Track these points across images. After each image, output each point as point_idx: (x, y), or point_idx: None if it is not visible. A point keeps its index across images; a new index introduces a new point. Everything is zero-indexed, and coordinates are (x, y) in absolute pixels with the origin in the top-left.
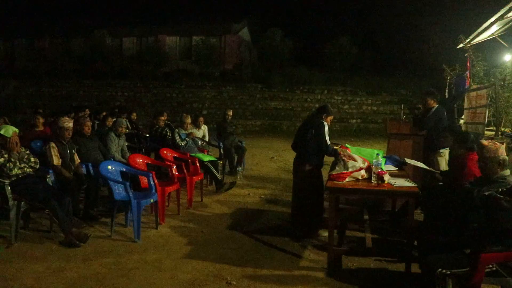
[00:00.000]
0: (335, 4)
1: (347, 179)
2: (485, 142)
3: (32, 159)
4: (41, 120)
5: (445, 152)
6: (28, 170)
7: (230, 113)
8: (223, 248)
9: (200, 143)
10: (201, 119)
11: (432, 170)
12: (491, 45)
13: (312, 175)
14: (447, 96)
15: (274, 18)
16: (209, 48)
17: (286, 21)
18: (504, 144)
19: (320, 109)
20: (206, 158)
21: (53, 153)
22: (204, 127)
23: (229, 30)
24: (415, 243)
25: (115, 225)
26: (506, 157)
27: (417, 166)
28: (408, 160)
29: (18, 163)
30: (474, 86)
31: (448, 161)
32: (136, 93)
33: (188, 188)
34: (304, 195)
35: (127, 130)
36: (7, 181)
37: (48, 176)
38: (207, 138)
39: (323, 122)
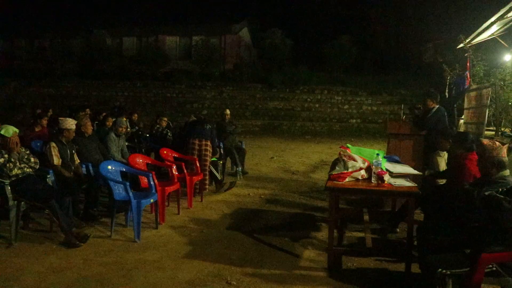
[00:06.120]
0: (335, 4)
1: (347, 179)
2: (484, 141)
3: (32, 159)
4: (45, 120)
5: (445, 152)
6: (28, 170)
7: (228, 112)
8: (223, 248)
9: None
10: None
11: (417, 172)
12: (491, 45)
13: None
14: (447, 96)
15: (274, 18)
16: (209, 48)
17: (286, 21)
18: (506, 145)
19: None
20: None
21: (53, 153)
22: None
23: (229, 30)
24: (415, 243)
25: (115, 225)
26: (504, 159)
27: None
28: (395, 173)
29: (18, 163)
30: (474, 86)
31: (447, 161)
32: (136, 93)
33: (188, 188)
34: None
35: (128, 130)
36: (7, 181)
37: (48, 176)
38: None
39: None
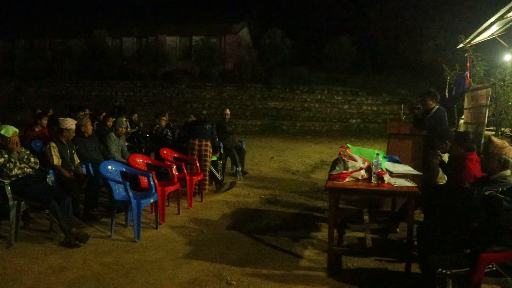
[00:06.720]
0: (335, 4)
1: (347, 179)
2: (494, 138)
3: (32, 159)
4: (45, 120)
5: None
6: (28, 170)
7: (228, 112)
8: (223, 248)
9: None
10: None
11: (417, 172)
12: (491, 45)
13: None
14: (447, 96)
15: (274, 18)
16: (209, 48)
17: (286, 21)
18: None
19: None
20: None
21: (53, 153)
22: None
23: (229, 30)
24: (415, 243)
25: (115, 225)
26: (510, 159)
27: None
28: (395, 173)
29: (18, 163)
30: (474, 86)
31: (448, 162)
32: (136, 93)
33: (188, 188)
34: None
35: (128, 130)
36: (7, 181)
37: (48, 176)
38: None
39: None
